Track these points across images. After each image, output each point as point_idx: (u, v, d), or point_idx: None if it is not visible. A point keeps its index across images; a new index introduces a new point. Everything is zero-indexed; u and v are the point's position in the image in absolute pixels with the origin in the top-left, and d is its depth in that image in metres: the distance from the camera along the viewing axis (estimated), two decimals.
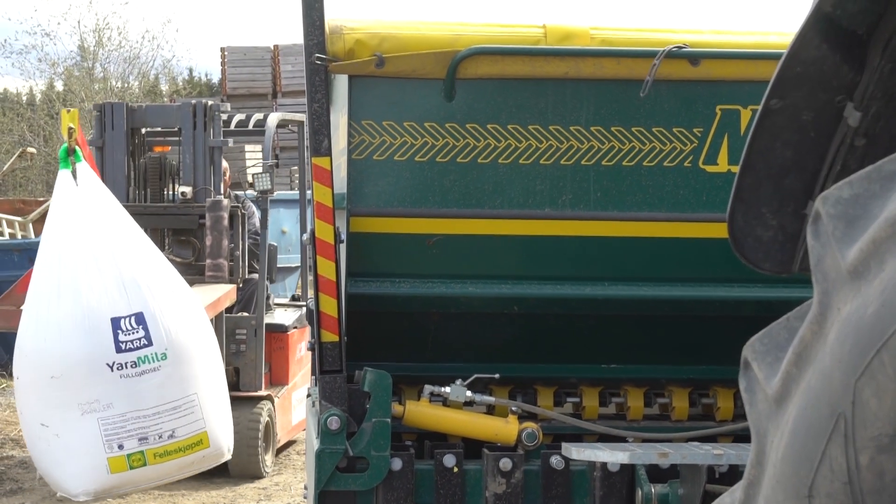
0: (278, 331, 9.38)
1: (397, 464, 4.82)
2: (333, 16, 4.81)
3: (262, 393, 8.80)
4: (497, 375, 5.10)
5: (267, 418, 8.67)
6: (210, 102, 8.34)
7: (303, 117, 9.23)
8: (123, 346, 5.48)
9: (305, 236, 5.04)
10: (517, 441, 4.96)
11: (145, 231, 7.25)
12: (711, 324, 5.11)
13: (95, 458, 5.49)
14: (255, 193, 8.81)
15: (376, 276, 4.97)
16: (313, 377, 5.39)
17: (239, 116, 9.99)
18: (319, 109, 4.70)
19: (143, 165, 8.94)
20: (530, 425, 4.98)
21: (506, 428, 4.99)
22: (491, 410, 5.14)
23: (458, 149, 4.84)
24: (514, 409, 5.07)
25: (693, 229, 4.93)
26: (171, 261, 7.07)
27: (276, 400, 8.97)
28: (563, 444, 4.81)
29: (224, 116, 9.22)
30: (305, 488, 5.70)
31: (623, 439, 5.06)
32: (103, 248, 5.68)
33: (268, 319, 9.25)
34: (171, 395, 5.55)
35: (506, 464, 4.87)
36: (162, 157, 9.27)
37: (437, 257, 4.93)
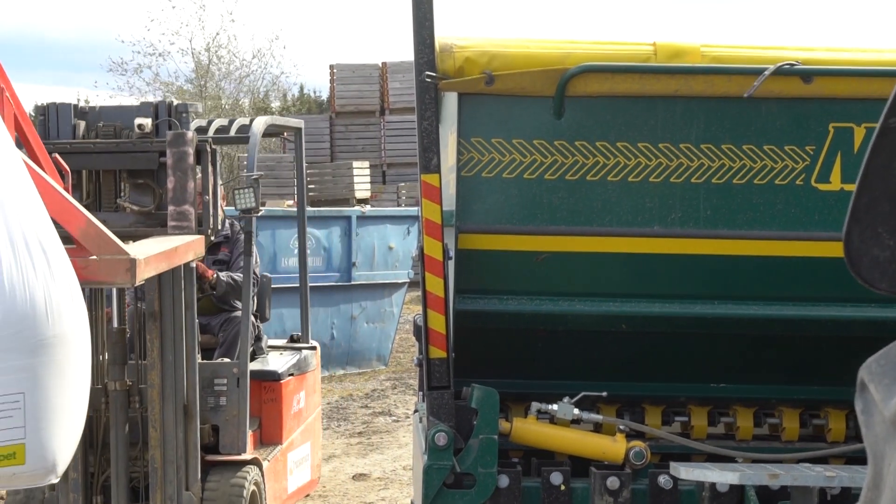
0: (269, 379, 7.58)
1: (504, 481, 4.82)
2: (443, 34, 4.84)
3: (247, 456, 7.04)
4: (605, 393, 5.08)
5: (252, 487, 6.95)
6: (177, 102, 7.03)
7: (298, 123, 8.48)
8: None
9: (415, 253, 5.07)
10: (625, 459, 4.94)
11: (96, 175, 6.57)
12: (823, 343, 5.04)
13: None
14: (237, 212, 7.24)
15: (484, 292, 4.98)
16: (420, 393, 5.41)
17: (220, 122, 7.99)
18: (429, 127, 4.73)
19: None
20: (638, 444, 4.95)
21: (613, 446, 4.97)
22: (598, 428, 5.13)
23: (567, 166, 4.84)
24: (621, 427, 5.05)
25: (804, 248, 4.87)
26: (129, 210, 6.42)
27: (265, 464, 7.22)
28: (672, 464, 4.78)
29: (196, 120, 7.71)
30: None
31: (732, 459, 5.01)
32: None
33: (258, 365, 7.69)
34: None
35: (613, 482, 4.85)
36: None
37: (544, 274, 4.93)
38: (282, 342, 8.75)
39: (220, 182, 6.94)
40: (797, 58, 4.76)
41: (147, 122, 6.67)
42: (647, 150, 4.83)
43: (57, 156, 5.15)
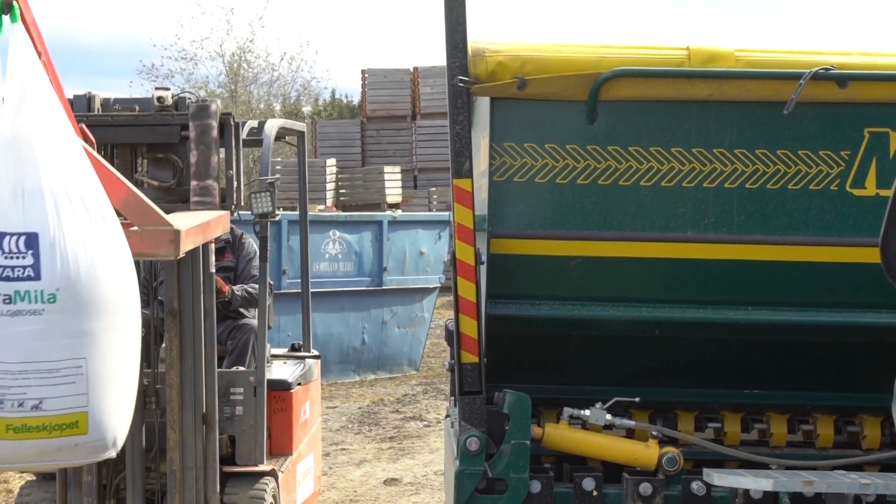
0: (280, 388, 7.30)
1: (536, 486, 4.81)
2: (476, 38, 4.83)
3: (265, 468, 6.87)
4: (637, 399, 5.06)
5: (270, 500, 6.82)
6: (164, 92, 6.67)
7: (301, 126, 8.21)
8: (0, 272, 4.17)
9: (447, 257, 5.06)
10: (657, 465, 4.91)
11: (111, 150, 6.33)
12: (857, 350, 5.00)
13: None
14: (253, 217, 6.98)
15: (516, 297, 4.97)
16: (452, 398, 5.40)
17: None
18: (461, 131, 4.73)
19: None
20: (671, 450, 4.93)
21: (646, 452, 4.95)
22: (631, 434, 5.10)
23: (600, 171, 4.83)
24: (654, 433, 5.03)
25: (839, 253, 4.84)
26: (147, 185, 6.21)
27: (279, 475, 7.04)
28: (705, 470, 4.76)
29: None
30: None
31: (766, 466, 4.98)
32: (13, 141, 4.32)
33: (267, 374, 7.33)
34: (49, 352, 4.21)
35: (646, 488, 4.82)
36: None
37: (577, 280, 4.91)
38: (282, 351, 8.52)
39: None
40: (832, 62, 4.73)
41: (167, 94, 6.47)
42: (680, 154, 4.82)
43: (84, 126, 5.04)
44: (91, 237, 4.23)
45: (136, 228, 4.61)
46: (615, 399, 5.00)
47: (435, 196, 23.02)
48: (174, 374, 5.85)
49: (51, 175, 4.22)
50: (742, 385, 5.22)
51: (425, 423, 12.40)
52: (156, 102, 6.40)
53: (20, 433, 4.15)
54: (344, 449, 11.26)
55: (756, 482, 4.58)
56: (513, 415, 4.75)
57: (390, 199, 19.96)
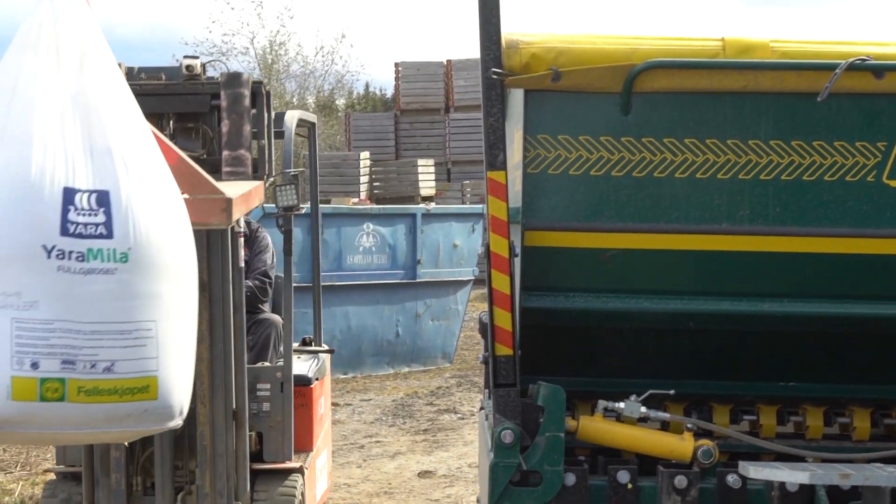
0: (300, 383, 7.07)
1: (571, 479, 4.80)
2: (510, 30, 4.82)
3: (294, 464, 6.74)
4: (672, 392, 5.04)
5: (299, 497, 6.69)
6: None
7: (312, 118, 8.00)
8: (72, 229, 3.98)
9: (481, 250, 5.06)
10: (692, 458, 4.90)
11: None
12: (894, 342, 4.97)
13: None
14: (278, 210, 6.78)
15: (550, 290, 4.96)
16: (486, 390, 5.40)
17: None
18: (495, 124, 4.72)
19: None
20: (706, 442, 4.91)
21: (681, 445, 4.93)
22: (666, 427, 5.09)
23: (634, 163, 4.81)
24: (689, 425, 5.01)
25: (875, 245, 4.82)
26: None
27: (306, 472, 6.89)
28: (741, 463, 4.74)
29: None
30: (478, 501, 5.71)
31: (802, 459, 4.96)
32: (78, 98, 4.18)
33: None
34: (121, 313, 4.06)
35: (681, 481, 4.81)
36: None
37: (611, 272, 4.90)
38: (294, 345, 8.11)
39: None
40: (868, 53, 4.70)
41: (196, 62, 6.26)
42: (715, 146, 4.80)
43: None
44: (158, 198, 4.15)
45: (186, 196, 4.50)
46: (650, 391, 4.99)
47: (468, 189, 23.02)
48: (204, 367, 5.74)
49: (117, 134, 4.13)
50: (778, 377, 5.20)
51: (459, 415, 12.41)
52: (184, 71, 6.24)
53: (91, 396, 4.00)
54: (378, 441, 11.29)
55: (792, 475, 4.56)
56: (547, 407, 4.74)
57: (424, 192, 19.95)
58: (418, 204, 17.45)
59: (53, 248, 3.93)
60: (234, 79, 6.05)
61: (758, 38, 4.85)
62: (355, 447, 11.03)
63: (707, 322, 4.95)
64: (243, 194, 5.08)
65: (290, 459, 6.69)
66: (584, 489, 4.83)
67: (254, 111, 6.14)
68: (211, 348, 5.78)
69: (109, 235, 4.01)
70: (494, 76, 4.71)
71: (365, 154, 20.83)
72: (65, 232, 3.95)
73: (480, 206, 15.58)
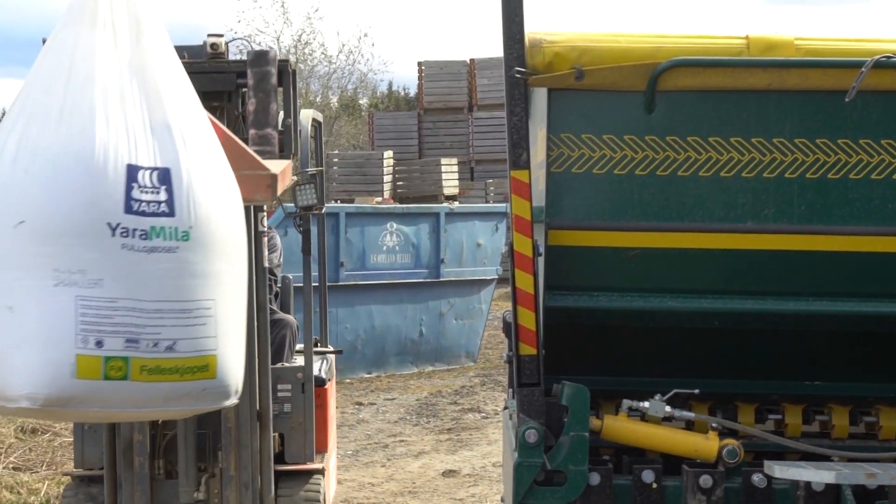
0: (316, 384, 6.97)
1: (595, 478, 4.79)
2: (533, 29, 4.81)
3: (316, 465, 6.67)
4: (697, 391, 5.03)
5: (322, 499, 6.64)
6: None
7: (320, 116, 7.88)
8: (136, 207, 3.96)
9: (504, 249, 5.03)
10: (717, 458, 4.88)
11: None
12: None
13: (60, 350, 3.91)
14: (297, 209, 6.69)
15: (574, 289, 4.95)
16: (510, 389, 5.40)
17: None
18: (518, 123, 4.71)
19: None
20: (731, 442, 4.89)
21: (706, 444, 4.91)
22: (690, 426, 5.07)
23: (658, 161, 4.80)
24: (714, 425, 4.99)
25: None
26: None
27: (326, 473, 6.90)
28: (766, 462, 4.73)
29: None
30: (502, 500, 5.71)
31: (827, 458, 4.93)
32: (136, 72, 4.13)
33: None
34: (182, 292, 4.05)
35: (706, 481, 4.79)
36: None
37: (635, 271, 4.89)
38: (299, 346, 8.08)
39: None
40: (894, 50, 4.67)
41: (220, 40, 6.14)
42: (739, 144, 4.78)
43: None
44: (215, 176, 4.14)
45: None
46: (674, 391, 4.98)
47: (492, 188, 23.01)
48: None
49: (175, 109, 4.12)
50: (803, 376, 5.18)
51: (483, 414, 12.41)
52: (209, 49, 6.15)
53: (153, 375, 4.00)
54: (402, 440, 11.29)
55: (818, 474, 4.54)
56: (571, 406, 4.73)
57: (447, 191, 19.95)
58: (442, 203, 17.44)
59: (118, 225, 3.91)
60: (260, 56, 5.96)
61: (782, 36, 4.83)
62: (379, 446, 11.04)
63: (732, 321, 4.94)
64: (282, 171, 5.03)
65: (311, 461, 6.65)
66: (608, 489, 4.82)
67: (279, 90, 6.05)
68: (238, 453, 5.78)
69: (171, 213, 3.99)
70: (518, 75, 4.70)
71: (388, 153, 20.84)
72: (129, 210, 3.92)
73: (504, 204, 15.58)
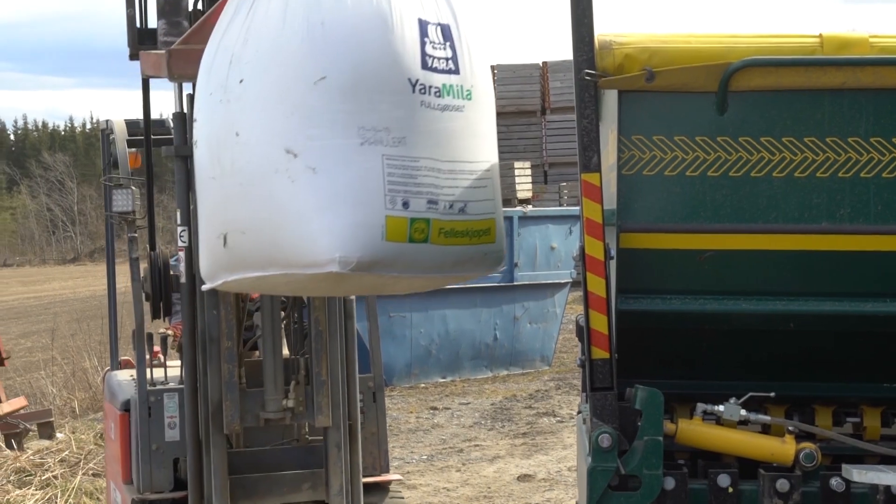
0: None
1: (670, 483, 4.75)
2: (603, 31, 4.80)
3: (394, 476, 6.46)
4: (772, 394, 4.98)
5: None
6: None
7: None
8: (430, 63, 3.85)
9: (576, 252, 5.01)
10: (794, 462, 4.82)
11: None
12: None
13: (370, 212, 3.77)
14: None
15: (646, 292, 4.92)
16: (584, 394, 5.37)
17: None
18: (589, 125, 4.69)
19: None
20: (808, 445, 4.83)
21: (782, 448, 4.86)
22: (766, 430, 5.02)
23: (731, 163, 4.76)
24: (790, 428, 4.94)
25: None
26: None
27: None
28: (844, 466, 4.67)
29: None
30: None
31: None
32: None
33: None
34: (469, 152, 3.96)
35: (783, 485, 4.74)
36: None
37: (708, 273, 4.85)
38: None
39: None
40: None
41: None
42: (813, 144, 4.73)
43: None
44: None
45: None
46: (750, 394, 4.93)
47: (565, 191, 22.98)
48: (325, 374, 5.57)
49: None
50: (882, 379, 5.11)
51: (558, 418, 12.38)
52: None
53: (448, 238, 3.96)
54: (477, 445, 11.29)
55: None
56: (645, 411, 4.70)
57: (521, 195, 19.95)
58: (515, 206, 17.47)
59: (417, 81, 3.85)
60: None
61: (856, 34, 4.77)
62: (454, 451, 11.05)
63: (808, 323, 4.88)
64: None
65: (387, 471, 6.47)
66: (683, 493, 4.78)
67: None
68: (328, 358, 5.64)
69: (457, 71, 3.96)
70: (588, 78, 4.68)
71: None
72: (424, 65, 3.87)
73: (577, 207, 15.53)
